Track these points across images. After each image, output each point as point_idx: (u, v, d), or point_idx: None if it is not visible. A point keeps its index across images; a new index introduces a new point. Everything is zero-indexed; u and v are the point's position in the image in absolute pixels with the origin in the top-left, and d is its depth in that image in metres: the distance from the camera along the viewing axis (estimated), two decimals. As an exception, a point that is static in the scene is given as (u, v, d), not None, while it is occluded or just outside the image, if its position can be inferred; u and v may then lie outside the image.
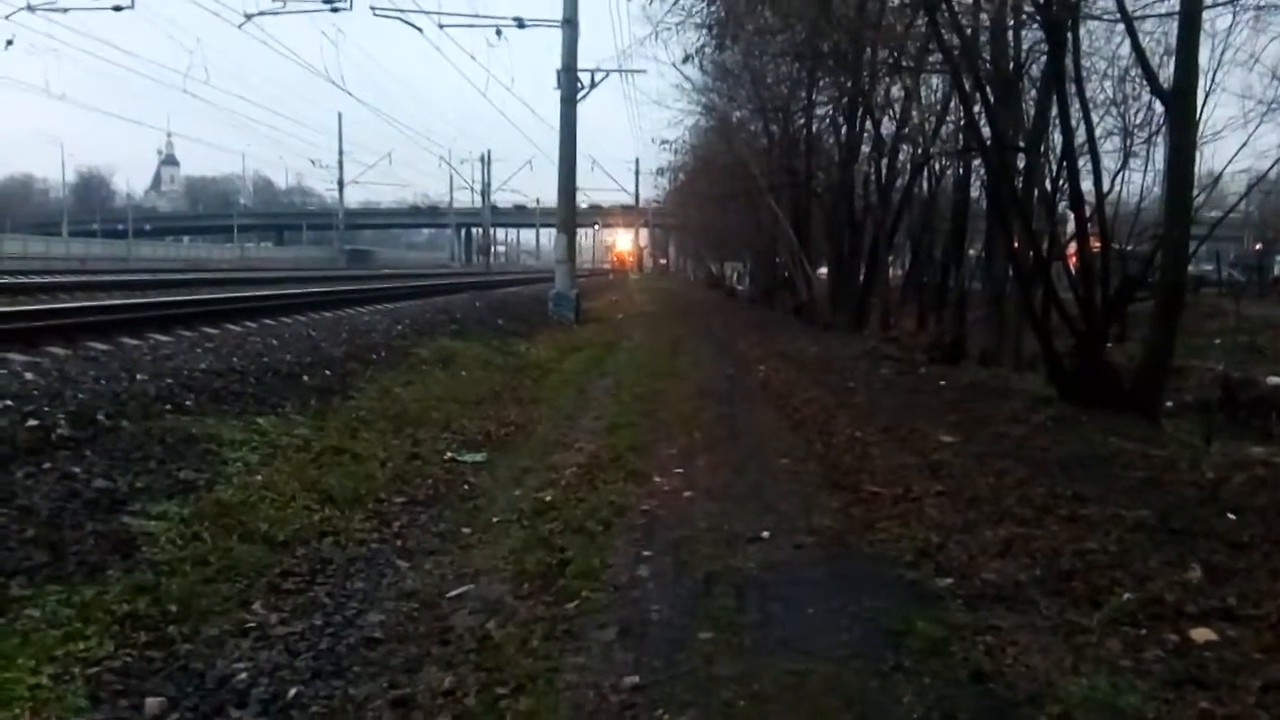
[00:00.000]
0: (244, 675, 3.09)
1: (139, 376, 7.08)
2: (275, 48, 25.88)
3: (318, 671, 3.15)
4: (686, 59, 17.62)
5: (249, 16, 20.92)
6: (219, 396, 6.94)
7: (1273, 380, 11.71)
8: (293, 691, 3.00)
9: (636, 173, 68.45)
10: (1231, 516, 4.77)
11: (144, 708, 2.84)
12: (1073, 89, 9.72)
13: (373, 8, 19.93)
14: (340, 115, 70.06)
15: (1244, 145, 22.20)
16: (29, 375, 6.78)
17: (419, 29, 21.05)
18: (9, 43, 24.99)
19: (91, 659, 3.05)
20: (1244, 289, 29.72)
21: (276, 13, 20.87)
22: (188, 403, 6.56)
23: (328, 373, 8.68)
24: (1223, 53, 11.14)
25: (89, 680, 2.93)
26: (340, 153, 70.70)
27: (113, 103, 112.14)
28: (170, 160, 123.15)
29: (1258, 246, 38.61)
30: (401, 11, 20.47)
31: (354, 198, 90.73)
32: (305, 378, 8.25)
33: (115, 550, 3.90)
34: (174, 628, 3.34)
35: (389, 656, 3.28)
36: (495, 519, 5.02)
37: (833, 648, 3.26)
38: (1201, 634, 3.32)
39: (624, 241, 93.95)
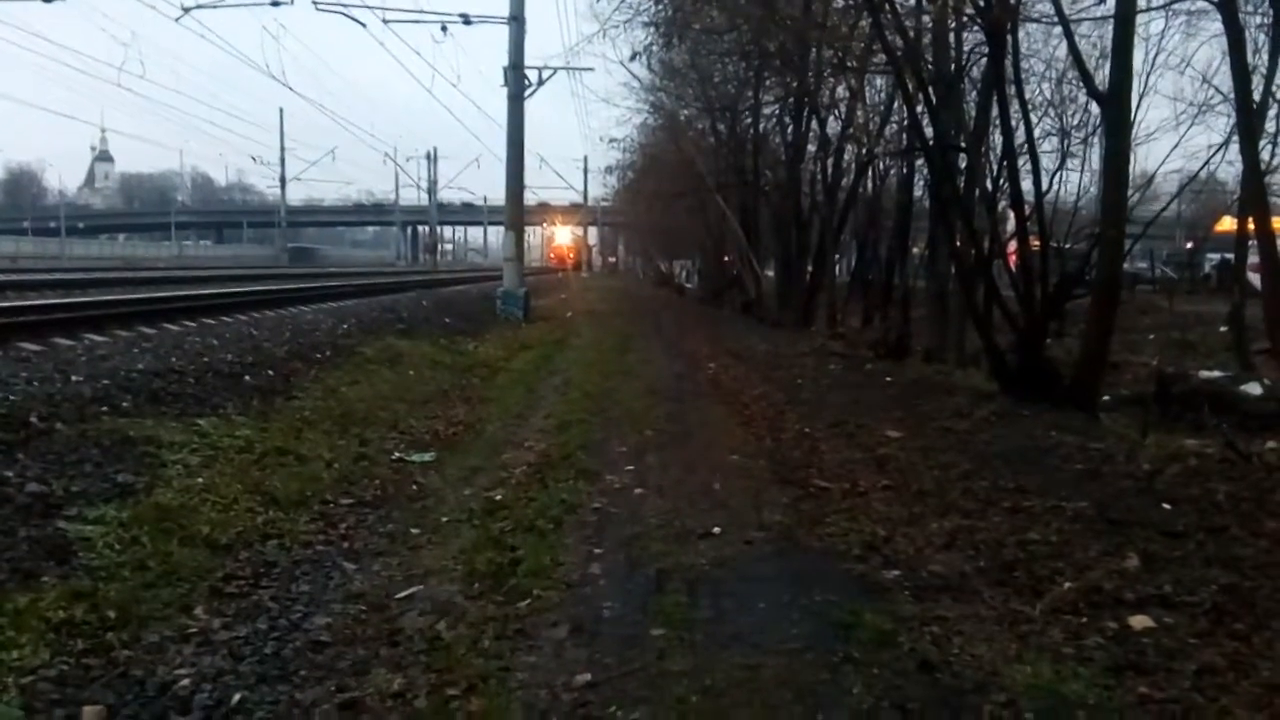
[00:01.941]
0: (186, 681, 3.01)
1: (74, 377, 6.87)
2: (214, 42, 25.22)
3: (263, 676, 3.08)
4: (634, 57, 17.66)
5: (186, 10, 20.36)
6: (158, 397, 6.77)
7: (1204, 374, 12.07)
8: (237, 697, 2.94)
9: (585, 170, 68.15)
10: (1167, 506, 4.91)
11: (81, 717, 2.76)
12: (1012, 90, 9.92)
13: (315, 2, 19.53)
14: (282, 111, 68.29)
15: (1176, 146, 22.95)
16: (-44, 377, 6.53)
17: (363, 24, 20.78)
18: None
19: (26, 668, 2.95)
20: (1176, 286, 30.60)
21: (215, 6, 20.38)
22: (125, 404, 6.38)
23: (270, 372, 8.52)
24: (1155, 56, 11.51)
25: (23, 690, 2.84)
26: (282, 149, 69.00)
27: (44, 97, 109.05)
28: (104, 156, 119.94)
29: (1189, 245, 39.80)
30: (345, 6, 20.14)
31: (296, 195, 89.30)
32: (247, 377, 8.08)
33: (50, 556, 3.79)
34: (113, 634, 3.25)
35: (336, 659, 3.23)
36: (445, 519, 4.97)
37: (784, 641, 3.29)
38: (1140, 621, 3.42)
39: (564, 235, 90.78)
